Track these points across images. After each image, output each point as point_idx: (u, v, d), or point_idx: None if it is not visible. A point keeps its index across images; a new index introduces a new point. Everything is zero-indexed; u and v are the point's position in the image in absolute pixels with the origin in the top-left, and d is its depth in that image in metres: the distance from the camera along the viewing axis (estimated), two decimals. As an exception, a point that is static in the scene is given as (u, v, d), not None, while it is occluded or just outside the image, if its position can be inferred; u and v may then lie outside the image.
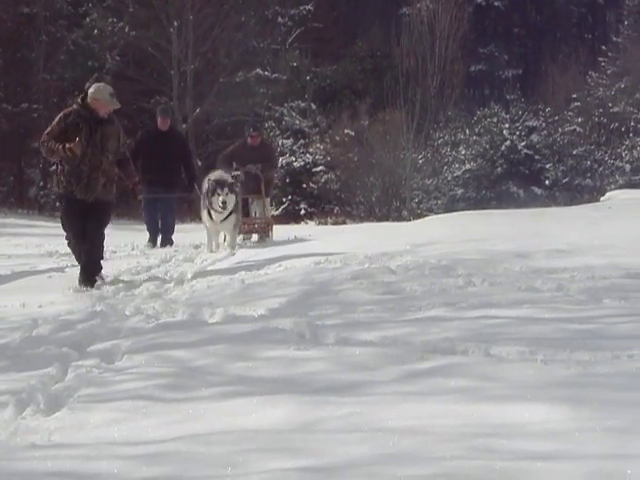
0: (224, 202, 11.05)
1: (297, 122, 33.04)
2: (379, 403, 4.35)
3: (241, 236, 13.63)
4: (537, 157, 30.91)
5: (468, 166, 30.71)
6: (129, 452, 3.93)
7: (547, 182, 30.66)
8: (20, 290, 9.26)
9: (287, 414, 4.28)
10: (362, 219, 25.74)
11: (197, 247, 12.87)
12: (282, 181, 29.91)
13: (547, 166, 31.03)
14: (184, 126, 32.18)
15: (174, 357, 5.66)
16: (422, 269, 8.10)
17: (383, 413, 4.18)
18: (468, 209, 22.25)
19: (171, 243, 14.26)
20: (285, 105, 34.14)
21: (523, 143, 30.68)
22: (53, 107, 31.67)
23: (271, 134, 31.51)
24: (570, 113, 35.43)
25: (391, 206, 27.60)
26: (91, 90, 9.50)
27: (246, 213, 14.24)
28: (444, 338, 5.48)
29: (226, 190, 11.11)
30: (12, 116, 29.56)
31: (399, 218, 24.60)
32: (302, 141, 31.69)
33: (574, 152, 31.79)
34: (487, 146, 30.89)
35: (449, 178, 30.82)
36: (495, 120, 31.75)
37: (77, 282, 9.22)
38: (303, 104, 34.54)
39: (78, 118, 9.37)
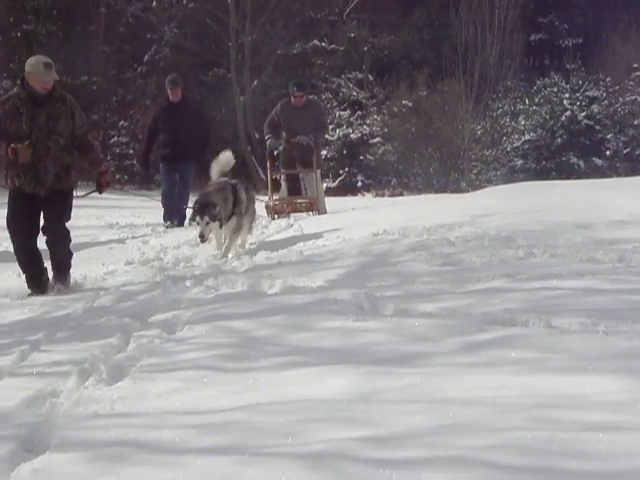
0: (202, 235, 9.10)
1: (354, 93, 32.92)
2: (438, 374, 4.35)
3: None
4: (598, 127, 30.52)
5: (528, 137, 30.39)
6: (190, 421, 3.96)
7: (608, 153, 30.26)
8: (81, 261, 9.37)
9: (346, 384, 4.29)
10: (420, 191, 25.63)
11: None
12: (339, 153, 29.88)
13: (608, 136, 30.63)
14: (241, 99, 32.22)
15: (234, 328, 5.70)
16: (481, 240, 8.05)
17: (442, 384, 4.18)
18: (528, 180, 22.05)
19: (184, 217, 12.95)
20: (342, 76, 34.03)
21: (584, 113, 30.29)
22: (112, 80, 31.93)
23: (328, 106, 31.44)
24: (631, 83, 34.83)
25: (449, 178, 27.46)
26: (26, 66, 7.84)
27: (296, 190, 13.81)
28: (504, 309, 5.45)
29: (206, 219, 9.02)
30: (72, 89, 29.70)
31: (457, 190, 24.45)
32: (359, 112, 31.58)
33: (635, 122, 31.31)
34: (547, 116, 30.54)
35: (508, 149, 30.53)
36: (555, 90, 31.37)
37: (32, 287, 7.98)
38: (360, 75, 34.41)
39: (18, 101, 7.80)
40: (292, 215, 12.85)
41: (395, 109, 30.13)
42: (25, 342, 5.76)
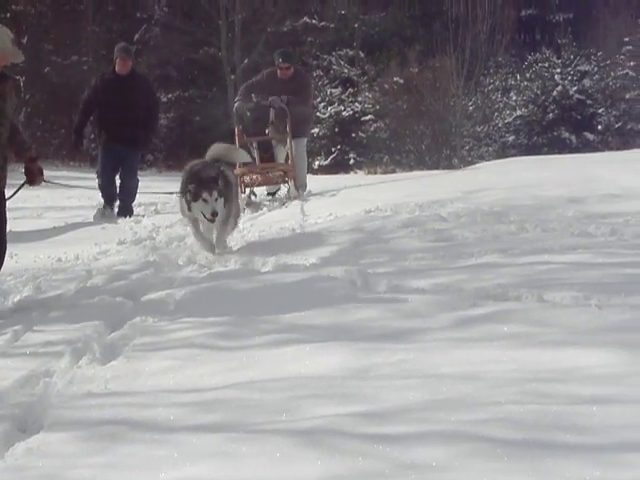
0: (215, 213, 7.55)
1: (345, 71, 32.81)
2: (432, 350, 4.36)
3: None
4: (589, 102, 30.44)
5: (519, 112, 30.31)
6: (184, 399, 3.97)
7: (599, 127, 30.20)
8: (74, 241, 9.37)
9: (340, 361, 4.30)
10: (412, 168, 25.55)
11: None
12: (331, 131, 29.80)
13: (599, 111, 30.56)
14: (232, 77, 32.11)
15: (227, 306, 5.70)
16: (474, 216, 8.05)
17: (436, 359, 4.19)
18: (519, 156, 22.04)
19: (131, 213, 11.72)
20: (333, 54, 33.89)
21: (575, 88, 30.20)
22: (102, 59, 31.75)
23: (319, 83, 31.34)
24: (622, 57, 34.75)
25: (441, 154, 27.37)
26: None
27: (269, 159, 12.26)
28: (497, 284, 5.46)
29: (215, 194, 7.57)
30: (62, 69, 29.65)
31: (449, 166, 24.39)
32: (350, 90, 31.47)
33: (627, 96, 31.23)
34: (538, 92, 30.44)
35: (500, 125, 30.47)
36: (546, 65, 31.26)
37: None
38: (351, 52, 34.27)
39: None
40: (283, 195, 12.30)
41: (386, 86, 29.98)
42: (18, 322, 5.76)
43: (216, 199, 7.55)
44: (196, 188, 7.62)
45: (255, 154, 12.17)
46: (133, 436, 3.57)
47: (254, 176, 11.90)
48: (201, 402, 3.91)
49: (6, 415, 3.96)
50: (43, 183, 6.94)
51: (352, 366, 4.22)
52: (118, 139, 11.52)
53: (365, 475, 2.97)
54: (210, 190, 7.55)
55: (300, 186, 12.14)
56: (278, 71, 12.30)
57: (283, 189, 12.53)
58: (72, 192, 14.98)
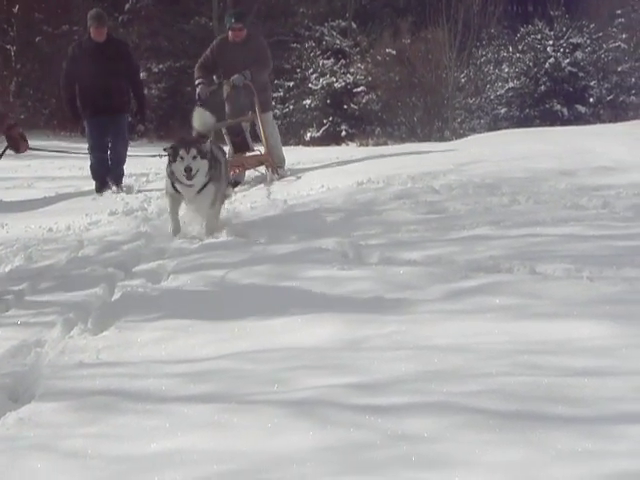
0: (188, 169, 7.06)
1: (337, 42, 32.67)
2: (424, 321, 4.36)
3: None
4: (581, 74, 30.38)
5: (511, 84, 30.24)
6: (176, 370, 3.97)
7: (591, 100, 30.16)
8: (65, 212, 9.34)
9: (332, 332, 4.30)
10: (404, 140, 25.54)
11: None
12: (323, 102, 29.72)
13: (591, 83, 30.51)
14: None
15: (219, 277, 5.69)
16: (466, 188, 8.04)
17: (428, 331, 4.20)
18: (511, 128, 22.00)
19: (121, 177, 11.32)
20: (325, 25, 33.72)
21: (567, 60, 30.14)
22: (93, 29, 31.54)
23: (311, 54, 31.22)
24: (614, 29, 34.67)
25: (433, 126, 27.36)
26: None
27: (241, 143, 11.23)
28: (489, 256, 5.47)
29: (193, 152, 7.11)
30: (53, 38, 29.41)
31: (441, 138, 24.38)
32: (343, 61, 31.37)
33: (619, 69, 31.19)
34: (530, 64, 30.38)
35: (492, 97, 30.41)
36: (539, 37, 31.17)
37: None
38: (344, 23, 34.09)
39: None
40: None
41: (379, 57, 29.91)
42: (9, 292, 5.75)
43: (194, 157, 7.11)
44: (174, 148, 7.23)
45: (227, 140, 11.38)
46: (125, 406, 3.57)
47: (235, 168, 10.95)
48: (193, 373, 3.91)
49: (-3, 385, 3.96)
50: (29, 151, 6.49)
51: (344, 337, 4.22)
52: (103, 109, 10.87)
53: (357, 446, 2.97)
54: (187, 148, 7.13)
55: (278, 165, 11.30)
56: (230, 33, 11.18)
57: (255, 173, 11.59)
58: (63, 162, 14.92)
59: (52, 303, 5.41)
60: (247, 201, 9.14)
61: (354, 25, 33.89)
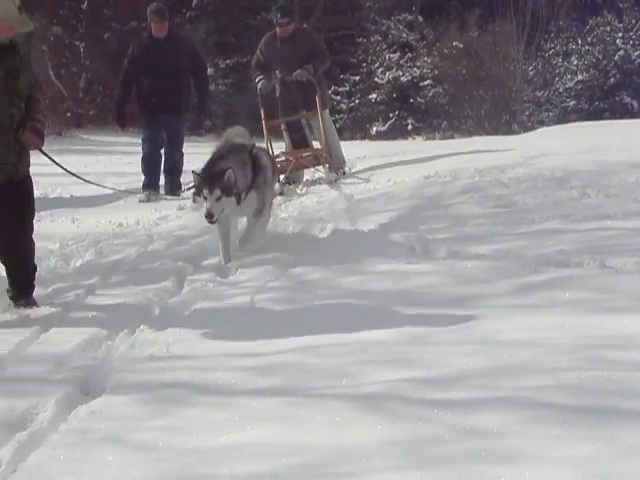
0: (209, 215, 6.10)
1: (404, 35, 32.53)
2: (492, 316, 4.34)
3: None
4: (652, 66, 29.92)
5: (580, 77, 29.87)
6: (244, 363, 4.00)
7: (662, 92, 29.69)
8: (134, 207, 9.45)
9: (399, 326, 4.30)
10: (471, 133, 25.37)
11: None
12: (389, 96, 29.65)
13: (662, 76, 30.02)
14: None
15: (286, 271, 5.73)
16: (535, 181, 7.96)
17: (496, 325, 4.17)
18: (580, 121, 21.74)
19: (179, 189, 10.44)
20: (392, 18, 33.59)
21: (637, 52, 29.67)
22: (161, 26, 31.80)
23: (378, 48, 31.13)
24: (686, 20, 34.09)
25: (501, 119, 27.13)
26: None
27: (301, 140, 10.78)
28: (558, 250, 5.41)
29: (216, 193, 6.12)
30: (121, 34, 29.67)
31: (509, 132, 24.17)
32: (409, 55, 31.24)
33: (690, 61, 30.66)
34: (600, 56, 29.97)
35: (561, 90, 30.06)
36: (608, 29, 30.73)
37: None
38: (410, 17, 33.93)
39: None
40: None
41: (445, 51, 29.72)
42: (80, 286, 5.83)
43: (218, 198, 6.12)
44: (198, 182, 6.29)
45: (285, 137, 11.04)
46: (194, 399, 3.60)
47: (286, 162, 10.44)
48: (260, 366, 3.93)
49: (69, 378, 4.02)
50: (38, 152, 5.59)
51: (411, 331, 4.21)
52: (161, 109, 10.32)
53: (425, 440, 2.97)
54: (210, 187, 6.14)
55: (338, 165, 10.85)
56: (277, 29, 10.73)
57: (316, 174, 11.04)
58: (131, 158, 15.03)
59: (122, 297, 5.48)
60: (313, 195, 9.16)
61: (420, 18, 33.69)
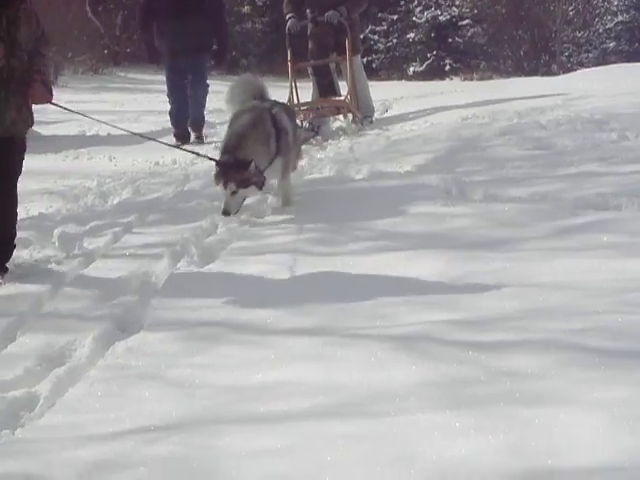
0: (226, 212, 5.64)
1: (443, -26, 32.12)
2: (529, 259, 4.32)
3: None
4: (696, 6, 29.35)
5: (621, 18, 29.36)
6: (279, 303, 4.03)
7: None
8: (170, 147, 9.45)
9: (434, 268, 4.30)
10: (509, 74, 25.08)
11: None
12: (427, 36, 29.34)
13: None
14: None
15: (322, 212, 5.72)
16: (574, 124, 7.86)
17: (533, 268, 4.16)
18: (620, 63, 21.42)
19: (202, 121, 10.26)
20: (431, -44, 33.18)
21: (681, -8, 29.14)
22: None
23: (416, -13, 30.75)
24: None
25: (540, 60, 26.77)
26: None
27: (329, 87, 10.10)
28: (597, 193, 5.35)
29: (231, 187, 5.66)
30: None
31: (548, 72, 23.85)
32: (448, -6, 30.86)
33: None
34: (641, -4, 29.46)
35: (600, 30, 29.61)
36: (651, -32, 30.17)
37: None
38: (450, -45, 33.50)
39: None
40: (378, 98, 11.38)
41: (485, -10, 29.33)
42: (117, 224, 5.87)
43: (233, 192, 5.66)
44: (216, 174, 5.81)
45: (312, 81, 10.27)
46: (230, 337, 3.64)
47: (306, 112, 9.74)
48: (297, 306, 3.96)
49: (106, 315, 4.07)
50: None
51: (447, 274, 4.21)
52: (181, 50, 9.69)
53: (459, 381, 2.98)
54: (225, 180, 5.68)
55: (366, 114, 10.19)
56: None
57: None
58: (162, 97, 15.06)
59: (159, 235, 5.52)
60: (349, 137, 9.11)
61: (460, -44, 33.16)
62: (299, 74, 10.26)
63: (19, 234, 5.16)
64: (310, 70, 10.25)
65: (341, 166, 7.15)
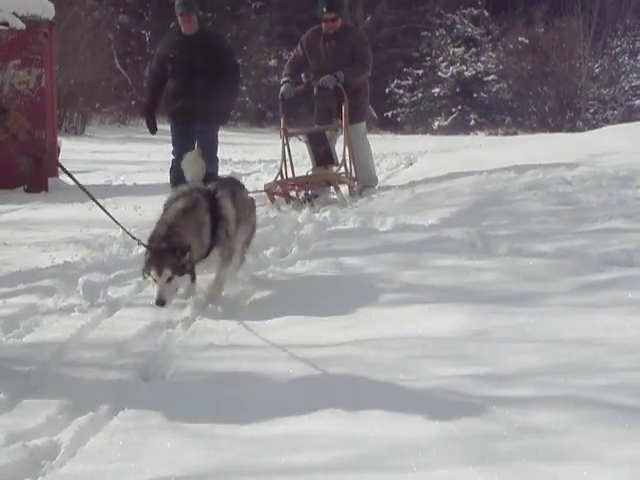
0: (160, 301, 4.84)
1: (469, 30, 32.37)
2: (553, 314, 4.30)
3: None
4: None
5: (646, 75, 29.52)
6: (303, 354, 4.01)
7: None
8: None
9: (458, 322, 4.28)
10: (534, 130, 25.19)
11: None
12: (452, 91, 29.53)
13: None
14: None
15: (346, 264, 5.71)
16: (599, 180, 7.87)
17: (556, 324, 4.13)
18: (646, 119, 21.45)
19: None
20: (457, 12, 33.43)
21: None
22: (226, 15, 31.95)
23: (442, 42, 31.01)
24: None
25: (565, 117, 26.90)
26: None
27: (325, 155, 9.42)
28: (622, 250, 5.33)
29: (166, 274, 4.92)
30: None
31: (573, 129, 23.95)
32: (473, 49, 31.09)
33: None
34: (667, 54, 29.59)
35: (626, 88, 29.71)
36: (677, 27, 30.31)
37: None
38: (476, 11, 33.73)
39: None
40: (402, 153, 11.49)
41: (511, 46, 29.53)
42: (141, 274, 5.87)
43: (168, 279, 4.93)
44: (146, 262, 5.07)
45: (308, 151, 9.73)
46: (253, 388, 3.63)
47: (289, 186, 9.18)
48: (319, 357, 3.94)
49: (130, 364, 4.07)
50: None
51: (470, 328, 4.19)
52: (188, 113, 8.99)
53: (482, 437, 2.95)
54: (158, 268, 4.94)
55: (366, 184, 9.47)
56: (322, 24, 9.54)
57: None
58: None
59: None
60: (374, 189, 9.14)
61: (486, 13, 33.48)
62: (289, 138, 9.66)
63: (43, 282, 5.18)
64: (305, 138, 9.69)
65: (365, 218, 7.17)
